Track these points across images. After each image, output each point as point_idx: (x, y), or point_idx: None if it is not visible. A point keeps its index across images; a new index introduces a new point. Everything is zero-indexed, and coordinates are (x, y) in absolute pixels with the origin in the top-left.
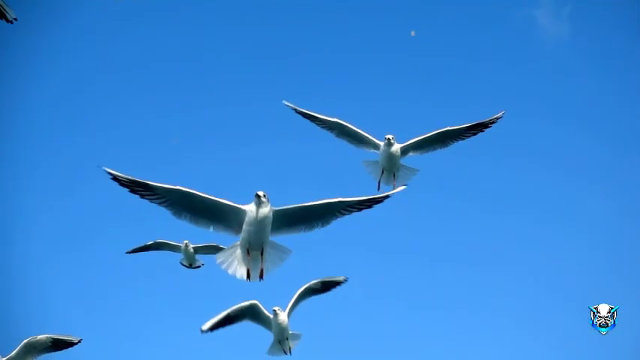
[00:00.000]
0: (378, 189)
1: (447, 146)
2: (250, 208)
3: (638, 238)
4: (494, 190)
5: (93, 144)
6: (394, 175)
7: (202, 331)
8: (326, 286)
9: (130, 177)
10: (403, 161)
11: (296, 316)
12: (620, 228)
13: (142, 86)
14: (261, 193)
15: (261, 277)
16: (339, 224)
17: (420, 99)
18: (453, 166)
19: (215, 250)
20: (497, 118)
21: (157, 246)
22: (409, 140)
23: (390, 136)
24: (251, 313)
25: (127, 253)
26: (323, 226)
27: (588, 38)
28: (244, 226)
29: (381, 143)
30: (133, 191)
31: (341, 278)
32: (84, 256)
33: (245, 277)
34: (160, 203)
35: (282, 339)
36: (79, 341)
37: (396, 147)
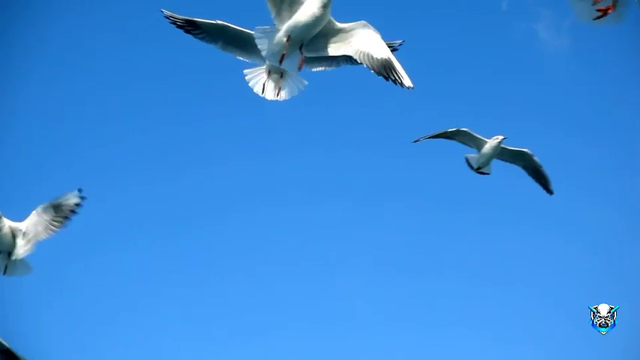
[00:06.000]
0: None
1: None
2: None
3: (637, 240)
4: (494, 198)
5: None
6: (282, 76)
7: None
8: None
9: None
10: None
11: None
12: (618, 230)
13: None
14: None
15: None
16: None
17: (419, 110)
18: (452, 175)
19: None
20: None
21: (456, 134)
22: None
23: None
24: None
25: (414, 142)
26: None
27: (588, 51)
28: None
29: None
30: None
31: (72, 201)
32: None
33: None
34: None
35: (2, 249)
36: None
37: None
